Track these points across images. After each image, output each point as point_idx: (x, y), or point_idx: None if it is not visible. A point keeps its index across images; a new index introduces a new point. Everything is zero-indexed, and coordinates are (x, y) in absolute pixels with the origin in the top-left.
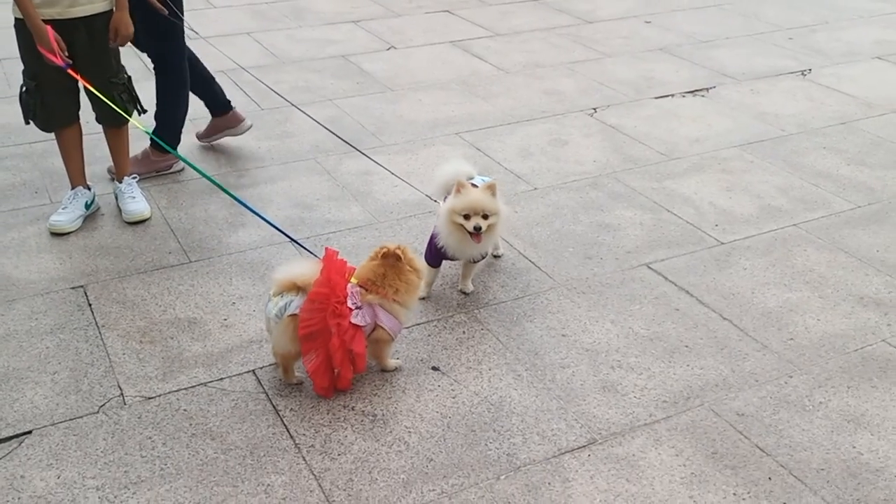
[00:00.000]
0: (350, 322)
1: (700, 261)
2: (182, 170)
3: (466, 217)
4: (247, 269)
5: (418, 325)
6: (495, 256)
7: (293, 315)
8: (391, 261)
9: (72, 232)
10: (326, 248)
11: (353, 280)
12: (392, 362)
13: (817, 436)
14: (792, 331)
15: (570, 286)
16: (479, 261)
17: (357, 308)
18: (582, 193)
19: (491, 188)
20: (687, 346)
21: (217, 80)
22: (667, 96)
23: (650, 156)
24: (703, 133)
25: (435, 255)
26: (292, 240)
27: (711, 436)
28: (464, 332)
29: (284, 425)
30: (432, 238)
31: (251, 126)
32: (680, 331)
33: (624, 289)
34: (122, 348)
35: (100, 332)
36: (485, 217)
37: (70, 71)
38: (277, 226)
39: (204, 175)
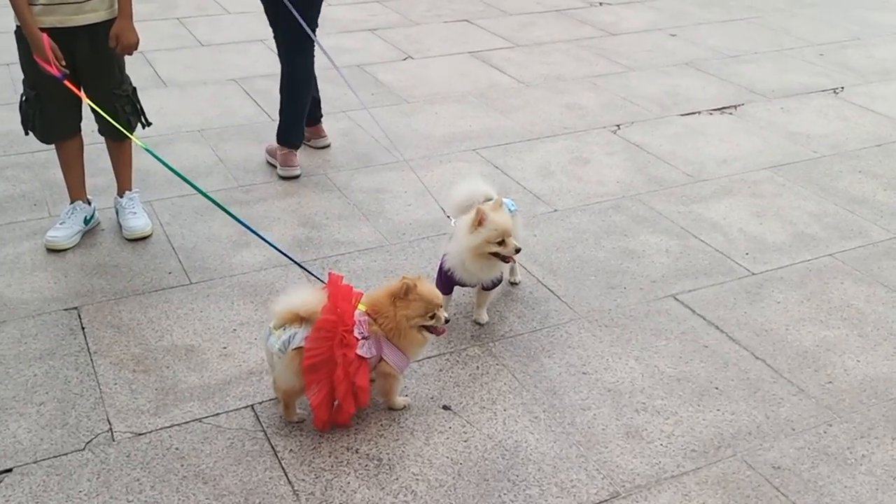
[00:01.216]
0: (356, 353)
1: (730, 292)
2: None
3: (501, 243)
4: (249, 293)
5: (429, 358)
6: (512, 284)
7: (298, 348)
8: (400, 293)
9: (69, 249)
10: (330, 273)
11: (362, 306)
12: (400, 400)
13: (861, 494)
14: (830, 373)
15: (592, 318)
16: (493, 288)
17: (364, 338)
18: (604, 216)
19: (498, 203)
20: (717, 388)
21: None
22: (693, 113)
23: (676, 177)
24: (731, 153)
25: (445, 281)
26: (296, 263)
27: (745, 491)
28: (477, 368)
29: (283, 468)
30: (442, 264)
31: (329, 145)
32: (709, 370)
33: (649, 322)
34: (114, 377)
35: (91, 359)
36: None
37: (67, 83)
38: (280, 248)
39: (202, 192)
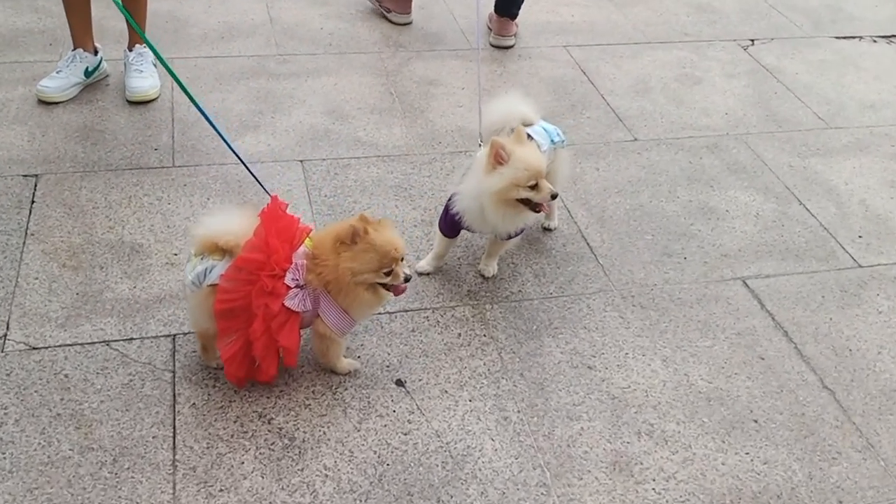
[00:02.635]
0: (283, 305)
1: (820, 287)
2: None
3: (533, 187)
4: (234, 189)
5: (405, 311)
6: (545, 229)
7: (214, 285)
8: (347, 240)
9: (60, 102)
10: (273, 197)
11: (308, 244)
12: (345, 363)
13: None
14: None
15: (627, 293)
16: (513, 238)
17: (298, 287)
18: (694, 157)
19: (519, 133)
20: (756, 422)
21: None
22: (852, 38)
23: (804, 118)
24: (883, 97)
25: (450, 224)
26: (251, 173)
27: None
28: (459, 336)
29: (174, 427)
30: (450, 204)
31: (410, 23)
32: (755, 393)
33: (698, 310)
34: (38, 270)
35: (24, 243)
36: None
37: None
38: (234, 148)
39: (168, 69)
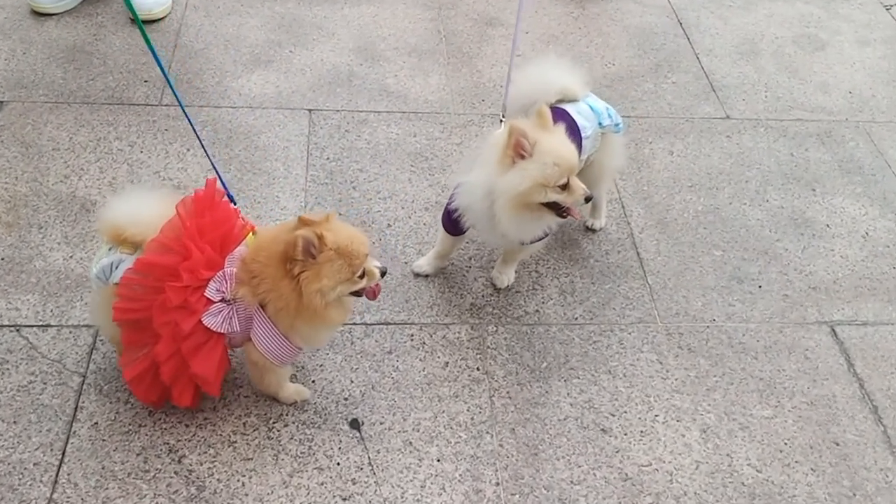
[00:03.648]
0: (199, 323)
1: None
2: None
3: (563, 187)
4: (221, 139)
5: (386, 324)
6: (589, 229)
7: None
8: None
9: (54, 14)
10: (208, 181)
11: (249, 243)
12: (291, 391)
13: None
14: None
15: (675, 328)
16: (535, 241)
17: (224, 302)
18: (797, 147)
19: (543, 115)
20: None
21: None
22: None
23: None
24: None
25: (454, 219)
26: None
27: None
28: (445, 366)
29: (62, 454)
30: (451, 199)
31: None
32: (818, 495)
33: (765, 363)
34: None
35: None
36: None
37: None
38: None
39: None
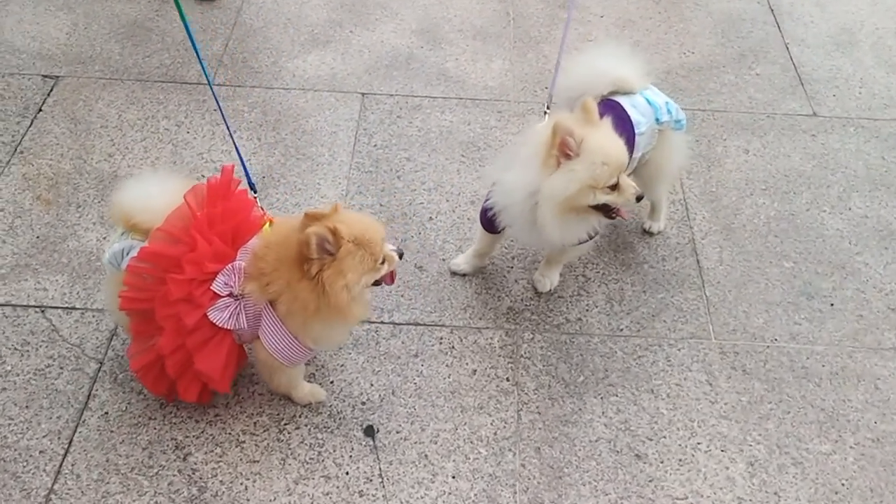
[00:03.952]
0: (205, 317)
1: None
2: None
3: (613, 187)
4: (270, 121)
5: (415, 324)
6: (647, 231)
7: None
8: (305, 247)
9: None
10: (224, 169)
11: (267, 231)
12: (306, 391)
13: None
14: None
15: (730, 347)
16: (581, 243)
17: (231, 297)
18: (892, 150)
19: (588, 109)
20: None
21: None
22: None
23: None
24: None
25: (490, 219)
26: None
27: None
28: (474, 373)
29: (69, 443)
30: (488, 199)
31: None
32: None
33: (829, 391)
34: (8, 201)
35: (8, 162)
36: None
37: None
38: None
39: None
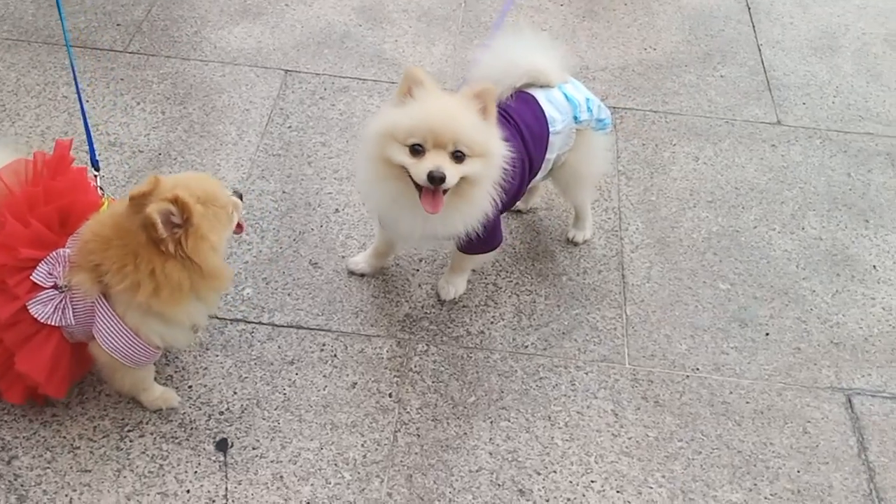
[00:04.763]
0: (24, 311)
1: None
2: None
3: (415, 150)
4: (179, 95)
5: (298, 327)
6: (570, 241)
7: None
8: (145, 222)
9: None
10: (57, 142)
11: (91, 223)
12: (156, 396)
13: None
14: None
15: (644, 374)
16: (472, 250)
17: (55, 288)
18: (859, 166)
19: (484, 95)
20: None
21: None
22: None
23: None
24: None
25: None
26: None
27: None
28: (353, 386)
29: None
30: None
31: None
32: None
33: (750, 432)
34: None
35: None
36: (457, 156)
37: None
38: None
39: None
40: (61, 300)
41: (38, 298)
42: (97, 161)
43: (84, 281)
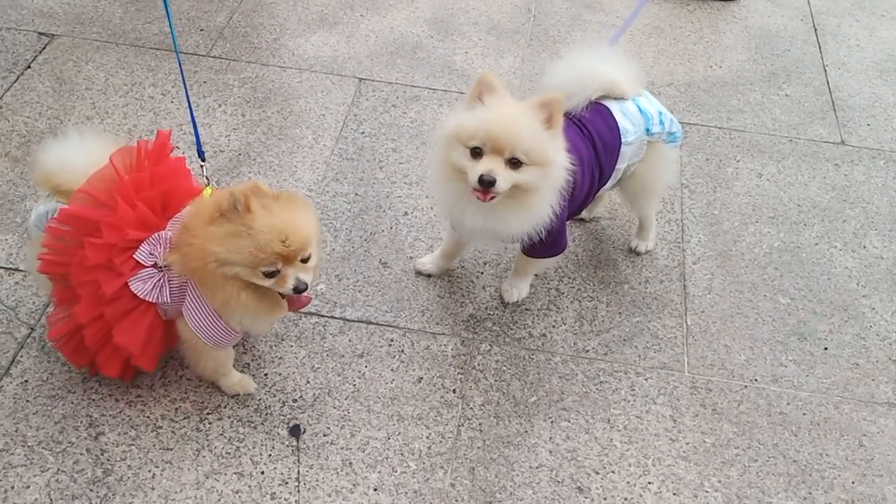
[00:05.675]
0: (125, 287)
1: None
2: None
3: (476, 153)
4: (258, 98)
5: (366, 323)
6: (633, 251)
7: None
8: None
9: None
10: (159, 132)
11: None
12: (234, 382)
13: None
14: None
15: (703, 382)
16: (535, 254)
17: (155, 267)
18: None
19: (551, 104)
20: None
21: None
22: None
23: None
24: None
25: None
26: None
27: None
28: (419, 381)
29: None
30: None
31: None
32: None
33: (806, 443)
34: None
35: None
36: (513, 163)
37: None
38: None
39: None
40: (160, 279)
41: (138, 276)
42: (203, 152)
43: (175, 261)
